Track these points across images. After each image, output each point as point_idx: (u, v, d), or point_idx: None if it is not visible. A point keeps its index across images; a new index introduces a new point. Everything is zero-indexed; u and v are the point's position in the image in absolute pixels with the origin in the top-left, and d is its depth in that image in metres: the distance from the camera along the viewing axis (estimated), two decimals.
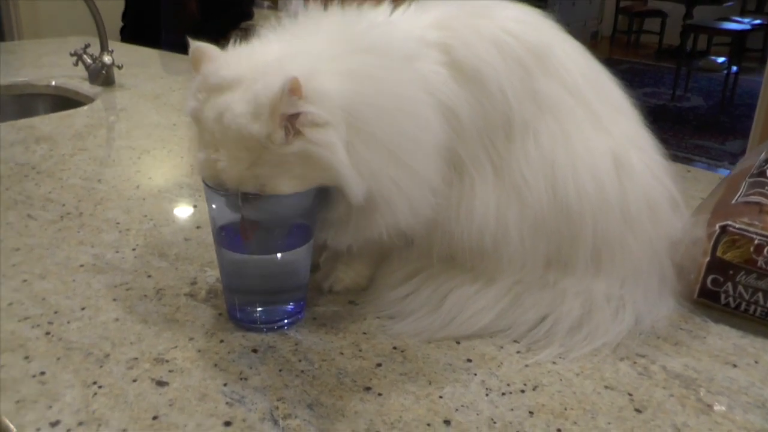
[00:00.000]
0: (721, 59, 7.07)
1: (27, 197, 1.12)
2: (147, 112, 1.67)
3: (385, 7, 0.83)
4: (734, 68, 6.78)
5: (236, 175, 0.69)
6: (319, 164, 0.69)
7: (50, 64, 2.13)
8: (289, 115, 0.67)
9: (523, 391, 0.70)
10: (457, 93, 0.78)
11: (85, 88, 1.88)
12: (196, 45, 0.73)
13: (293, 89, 0.65)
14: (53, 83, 1.94)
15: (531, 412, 0.67)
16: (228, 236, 0.75)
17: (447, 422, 0.65)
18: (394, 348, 0.76)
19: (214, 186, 0.71)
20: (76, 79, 1.93)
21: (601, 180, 0.79)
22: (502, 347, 0.77)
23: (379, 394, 0.68)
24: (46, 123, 1.56)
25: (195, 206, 1.11)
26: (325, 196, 0.74)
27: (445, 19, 0.82)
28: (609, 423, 0.66)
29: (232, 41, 0.76)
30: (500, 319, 0.79)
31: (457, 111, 0.78)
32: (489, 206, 0.79)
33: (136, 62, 2.14)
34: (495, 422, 0.65)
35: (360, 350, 0.75)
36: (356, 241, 0.80)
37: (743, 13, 7.29)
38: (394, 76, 0.74)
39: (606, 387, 0.71)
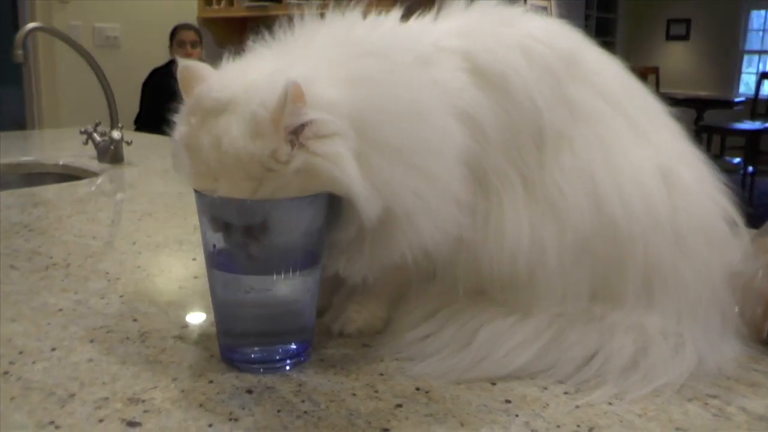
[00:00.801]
0: (736, 159, 7.04)
1: (13, 251, 1.03)
2: (153, 184, 1.60)
3: (395, 14, 0.75)
4: (750, 168, 6.73)
5: (237, 204, 0.60)
6: (327, 179, 0.59)
7: (61, 146, 2.10)
8: (294, 127, 0.58)
9: None
10: (478, 100, 0.69)
11: (93, 165, 1.83)
12: (184, 64, 0.66)
13: (296, 96, 0.57)
14: (60, 162, 1.90)
15: None
16: (223, 258, 0.64)
17: None
18: (417, 389, 0.63)
19: (212, 220, 0.62)
20: (84, 158, 1.89)
21: (650, 195, 0.69)
22: (545, 388, 0.64)
23: None
24: (48, 191, 1.49)
25: (194, 259, 1.01)
26: (336, 213, 0.64)
27: (465, 27, 0.75)
28: None
29: (224, 58, 0.68)
30: (541, 356, 0.66)
31: (479, 119, 0.69)
32: (521, 226, 0.68)
33: (145, 144, 2.10)
34: None
35: (376, 391, 0.63)
36: (373, 270, 0.69)
37: (753, 116, 7.33)
38: (403, 80, 0.65)
39: (677, 429, 0.57)
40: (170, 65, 4.07)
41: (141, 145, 2.02)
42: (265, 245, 0.61)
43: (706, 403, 0.62)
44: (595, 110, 0.72)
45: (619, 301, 0.69)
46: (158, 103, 3.91)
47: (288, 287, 0.65)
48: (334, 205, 0.64)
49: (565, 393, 0.63)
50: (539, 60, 0.72)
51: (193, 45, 4.01)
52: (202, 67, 0.65)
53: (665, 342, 0.67)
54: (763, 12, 8.85)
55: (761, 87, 7.45)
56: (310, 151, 0.58)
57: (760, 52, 9.05)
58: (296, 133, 0.58)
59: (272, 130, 0.58)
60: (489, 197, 0.70)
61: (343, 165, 0.59)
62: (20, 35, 1.62)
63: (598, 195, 0.68)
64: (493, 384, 0.64)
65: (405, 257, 0.66)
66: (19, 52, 1.61)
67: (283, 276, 0.63)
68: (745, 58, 8.70)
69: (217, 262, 0.64)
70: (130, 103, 3.77)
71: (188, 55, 3.98)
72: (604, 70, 0.76)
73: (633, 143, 0.72)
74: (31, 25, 1.68)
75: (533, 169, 0.70)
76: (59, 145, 2.15)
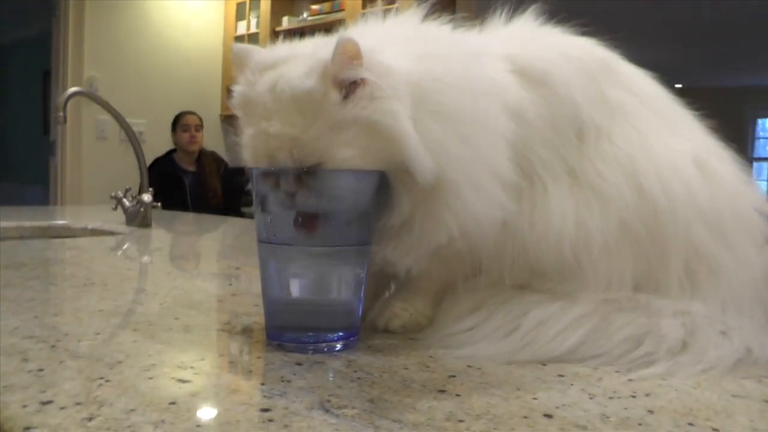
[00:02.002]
0: None
1: (49, 274, 1.03)
2: (183, 238, 1.62)
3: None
4: None
5: (290, 141, 0.61)
6: (383, 134, 0.61)
7: (89, 214, 2.14)
8: (346, 80, 0.61)
9: (634, 397, 0.55)
10: (523, 95, 0.72)
11: (121, 228, 1.85)
12: (237, 46, 0.70)
13: (350, 52, 0.60)
14: (89, 226, 1.93)
15: (651, 411, 0.52)
16: (278, 230, 0.65)
17: (548, 416, 0.50)
18: (469, 366, 0.62)
19: (266, 165, 0.63)
20: (112, 223, 1.91)
21: (688, 181, 0.70)
22: (596, 368, 0.62)
23: (457, 395, 0.54)
24: (79, 241, 1.51)
25: (230, 284, 1.01)
26: (384, 198, 0.65)
27: (507, 36, 0.79)
28: (752, 420, 0.50)
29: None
30: (590, 339, 0.65)
31: (524, 113, 0.71)
32: (566, 210, 0.69)
33: (167, 216, 2.14)
34: (608, 417, 0.50)
35: (427, 366, 0.62)
36: (419, 258, 0.69)
37: None
38: (461, 62, 0.69)
39: (734, 396, 0.56)
40: (171, 154, 4.18)
41: (164, 216, 2.05)
42: (314, 196, 0.61)
43: (761, 381, 0.60)
44: (630, 107, 0.75)
45: (663, 290, 0.69)
46: (166, 188, 3.97)
47: (337, 270, 0.65)
48: (382, 194, 0.65)
49: (617, 371, 0.62)
50: (578, 62, 0.75)
51: (197, 128, 4.15)
52: (254, 47, 0.69)
53: (712, 327, 0.66)
54: None
55: None
56: (367, 108, 0.61)
57: None
58: (350, 89, 0.61)
59: (321, 72, 0.61)
60: (534, 186, 0.71)
61: (399, 120, 0.61)
62: (62, 98, 1.69)
63: (638, 178, 0.69)
64: (544, 365, 0.63)
65: (452, 240, 0.67)
66: (60, 114, 1.68)
67: (333, 250, 0.64)
68: (754, 165, 8.84)
69: (271, 235, 0.64)
70: None
71: (193, 138, 4.11)
72: (637, 77, 0.79)
73: (668, 136, 0.74)
74: (72, 89, 1.76)
75: (576, 159, 0.72)
76: (86, 214, 2.19)
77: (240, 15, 5.03)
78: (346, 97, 0.61)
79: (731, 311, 0.69)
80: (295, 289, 0.66)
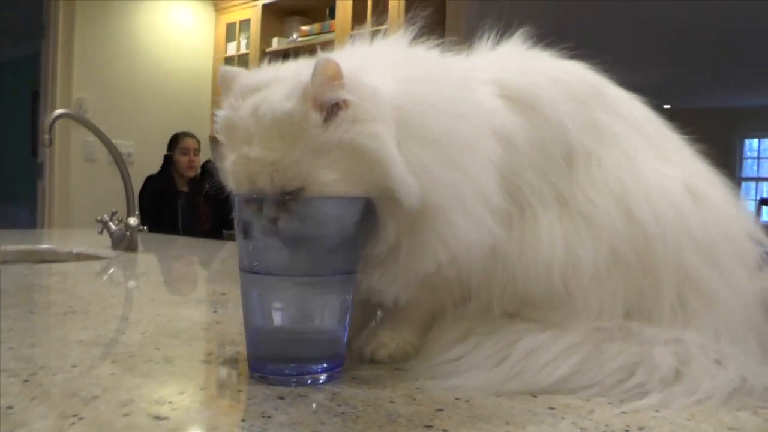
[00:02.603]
0: None
1: (30, 302, 1.01)
2: (170, 263, 1.60)
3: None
4: None
5: (271, 166, 0.60)
6: (367, 157, 0.60)
7: (75, 238, 2.11)
8: (327, 102, 0.60)
9: (627, 431, 0.53)
10: (511, 120, 0.71)
11: (107, 252, 1.83)
12: (224, 68, 0.69)
13: (330, 72, 0.59)
14: (74, 250, 1.90)
15: None
16: (260, 259, 0.63)
17: None
18: (457, 398, 0.60)
19: (247, 191, 0.62)
20: (98, 247, 1.89)
21: (679, 206, 0.69)
22: (588, 399, 0.61)
23: (445, 430, 0.52)
24: (64, 266, 1.48)
25: (215, 311, 0.99)
26: (370, 225, 0.64)
27: (494, 60, 0.78)
28: None
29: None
30: (581, 369, 0.64)
31: (512, 138, 0.70)
32: (556, 237, 0.68)
33: (155, 239, 2.11)
34: None
35: (414, 399, 0.60)
36: (407, 286, 0.68)
37: None
38: (448, 86, 0.68)
39: (730, 429, 0.54)
40: (166, 171, 4.14)
41: (151, 239, 2.03)
42: (296, 221, 0.60)
43: (756, 412, 0.59)
44: (619, 132, 0.74)
45: (655, 317, 0.68)
46: (158, 207, 3.93)
47: (322, 299, 0.64)
48: (368, 220, 0.64)
49: (609, 403, 0.60)
50: (567, 86, 0.74)
51: (196, 152, 4.13)
52: (241, 70, 0.68)
53: (706, 356, 0.65)
54: (756, 140, 9.16)
55: (761, 213, 7.57)
56: (350, 131, 0.59)
57: (757, 179, 9.27)
58: (331, 112, 0.60)
59: (302, 94, 0.60)
60: (523, 212, 0.70)
61: (384, 144, 0.59)
62: (48, 120, 1.67)
63: (629, 204, 0.68)
64: (535, 396, 0.61)
65: (440, 267, 0.66)
66: (46, 136, 1.66)
67: (318, 279, 0.62)
68: (743, 185, 8.90)
69: (253, 264, 0.62)
70: None
71: (192, 162, 4.09)
72: (625, 101, 0.78)
73: (658, 161, 0.73)
74: (58, 111, 1.74)
75: (565, 185, 0.70)
76: (72, 237, 2.16)
77: (230, 36, 5.04)
78: (327, 119, 0.60)
79: (725, 339, 0.68)
80: (278, 318, 0.64)
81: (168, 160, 4.17)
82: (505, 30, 0.80)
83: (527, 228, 0.69)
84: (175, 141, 4.16)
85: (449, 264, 0.66)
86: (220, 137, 0.66)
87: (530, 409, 0.58)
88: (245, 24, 4.91)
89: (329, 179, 0.60)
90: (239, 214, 0.63)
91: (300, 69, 0.63)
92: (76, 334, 0.80)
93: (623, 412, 0.58)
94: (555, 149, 0.71)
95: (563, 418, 0.56)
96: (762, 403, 0.61)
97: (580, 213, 0.69)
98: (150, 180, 4.10)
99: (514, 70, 0.75)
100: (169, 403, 0.57)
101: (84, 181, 4.48)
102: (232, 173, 0.63)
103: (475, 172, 0.65)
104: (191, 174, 4.11)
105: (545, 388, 0.62)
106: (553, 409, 0.58)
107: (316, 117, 0.60)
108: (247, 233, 0.63)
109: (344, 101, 0.60)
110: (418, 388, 0.63)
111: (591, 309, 0.68)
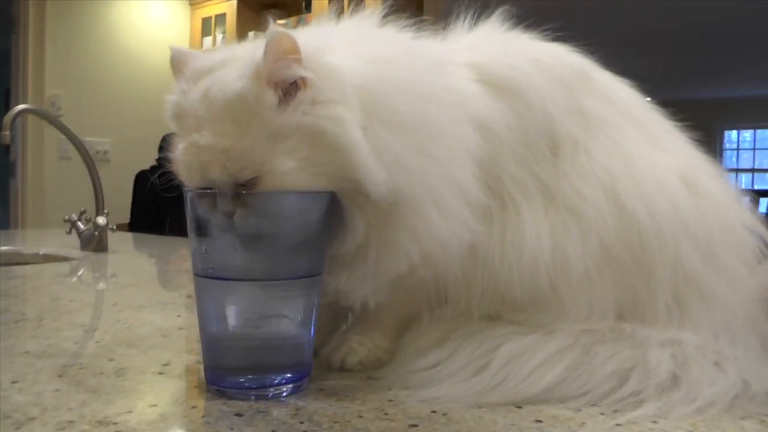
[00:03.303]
0: None
1: None
2: (138, 264, 1.53)
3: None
4: None
5: (223, 154, 0.54)
6: (329, 143, 0.54)
7: (43, 239, 2.04)
8: (283, 80, 0.54)
9: None
10: (490, 105, 0.66)
11: (75, 253, 1.76)
12: (176, 48, 0.63)
13: (284, 47, 0.53)
14: (41, 252, 1.82)
15: None
16: (215, 262, 0.57)
17: None
18: (433, 411, 0.55)
19: (199, 183, 0.56)
20: (66, 248, 1.81)
21: (673, 197, 0.64)
22: (578, 410, 0.56)
23: None
24: (26, 269, 1.41)
25: (179, 316, 0.93)
26: (336, 222, 0.58)
27: (472, 43, 0.73)
28: None
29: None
30: (569, 376, 0.58)
31: (492, 125, 0.65)
32: (541, 233, 0.63)
33: (130, 239, 2.04)
34: None
35: (386, 414, 0.54)
36: (377, 288, 0.62)
37: None
38: (420, 67, 0.63)
39: None
40: (157, 164, 4.06)
41: (125, 239, 1.96)
42: (254, 216, 0.55)
43: (763, 421, 0.54)
44: (608, 118, 0.69)
45: (649, 318, 0.63)
46: (151, 202, 3.84)
47: (284, 303, 0.58)
48: (334, 217, 0.58)
49: (602, 414, 0.55)
50: (550, 70, 0.69)
51: None
52: (194, 52, 0.62)
53: (705, 358, 0.60)
54: (735, 132, 9.20)
55: (759, 205, 7.59)
56: (310, 114, 0.54)
57: (737, 170, 9.31)
58: (288, 91, 0.54)
59: (254, 72, 0.54)
60: (505, 207, 0.64)
61: (347, 129, 0.54)
62: (9, 116, 1.59)
63: (620, 196, 0.63)
64: (519, 407, 0.56)
65: (413, 267, 0.60)
66: (6, 133, 1.58)
67: (278, 284, 0.56)
68: None
69: (207, 266, 0.57)
70: (120, 216, 3.73)
71: None
72: (614, 85, 0.73)
73: (650, 149, 0.68)
74: (20, 107, 1.66)
75: (551, 176, 0.65)
76: (41, 238, 2.09)
77: (206, 30, 4.94)
78: (284, 101, 0.54)
79: (724, 339, 0.63)
80: (235, 322, 0.58)
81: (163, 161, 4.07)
82: (482, 11, 0.75)
83: (509, 223, 0.64)
84: (166, 142, 4.07)
85: (423, 263, 0.60)
86: (171, 125, 0.60)
87: (514, 422, 0.53)
88: (221, 18, 4.81)
89: (287, 168, 0.54)
90: (192, 210, 0.57)
91: (257, 48, 0.57)
92: (23, 345, 0.74)
93: (618, 424, 0.53)
94: (538, 137, 0.66)
95: None
96: (766, 410, 0.56)
97: (567, 206, 0.64)
98: (142, 175, 4.00)
99: (493, 53, 0.70)
100: (114, 424, 0.51)
101: (58, 180, 4.37)
102: (182, 164, 0.58)
103: (449, 161, 0.59)
104: None
105: (530, 398, 0.57)
106: (540, 422, 0.53)
107: (271, 97, 0.54)
108: (199, 231, 0.57)
109: (302, 80, 0.54)
110: (390, 400, 0.57)
111: (580, 310, 0.63)
